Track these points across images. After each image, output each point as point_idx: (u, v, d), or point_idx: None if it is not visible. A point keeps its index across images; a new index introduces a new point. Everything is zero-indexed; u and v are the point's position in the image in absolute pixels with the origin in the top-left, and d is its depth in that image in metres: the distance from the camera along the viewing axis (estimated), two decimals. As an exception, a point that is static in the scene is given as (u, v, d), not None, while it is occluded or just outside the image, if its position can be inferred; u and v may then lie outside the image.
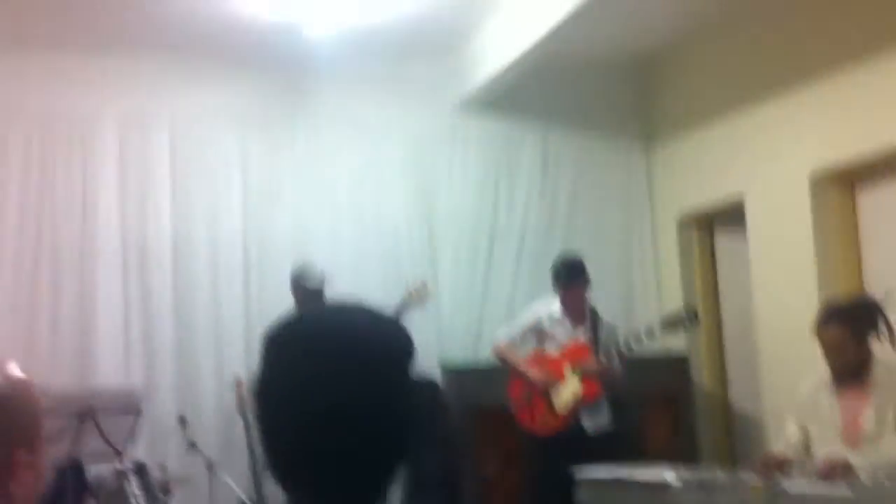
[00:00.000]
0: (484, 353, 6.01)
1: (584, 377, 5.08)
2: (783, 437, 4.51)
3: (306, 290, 5.45)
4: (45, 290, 5.47)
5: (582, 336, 5.21)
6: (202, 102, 6.07)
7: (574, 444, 5.02)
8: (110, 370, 5.52)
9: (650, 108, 6.94)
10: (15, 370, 1.51)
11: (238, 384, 5.48)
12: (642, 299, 6.71)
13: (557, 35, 5.41)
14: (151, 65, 5.97)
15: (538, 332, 5.32)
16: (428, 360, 6.00)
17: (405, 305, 5.51)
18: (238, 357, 5.80)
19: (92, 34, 5.68)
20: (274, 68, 6.17)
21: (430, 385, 5.97)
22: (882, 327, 4.09)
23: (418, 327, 5.57)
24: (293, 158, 6.21)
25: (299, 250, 6.05)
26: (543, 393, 5.15)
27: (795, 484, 3.69)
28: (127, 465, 4.44)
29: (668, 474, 4.06)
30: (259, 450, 5.05)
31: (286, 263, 5.97)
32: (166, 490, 4.65)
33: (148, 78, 5.98)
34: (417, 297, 5.59)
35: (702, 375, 6.53)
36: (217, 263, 5.95)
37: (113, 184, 5.77)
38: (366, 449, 1.32)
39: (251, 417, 5.34)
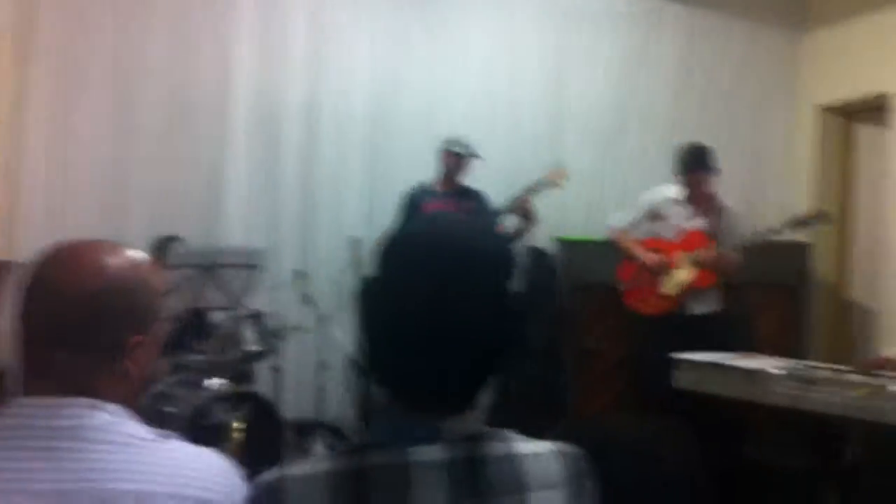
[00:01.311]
0: (599, 230, 6.00)
1: (698, 265, 5.01)
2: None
3: (456, 155, 5.56)
4: (179, 144, 5.63)
5: (702, 223, 5.10)
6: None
7: (679, 325, 5.01)
8: (237, 223, 5.73)
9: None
10: (139, 255, 1.57)
11: (354, 243, 5.62)
12: (774, 187, 6.54)
13: None
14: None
15: (654, 215, 5.25)
16: (545, 232, 6.06)
17: (541, 185, 5.56)
18: (356, 219, 5.94)
19: None
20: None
21: (543, 256, 6.04)
22: None
23: (540, 200, 5.61)
24: (424, 34, 6.15)
25: (426, 118, 6.08)
26: (654, 276, 5.12)
27: (898, 384, 3.63)
28: (243, 311, 4.67)
29: (768, 362, 4.05)
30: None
31: (411, 135, 6.04)
32: (280, 336, 4.88)
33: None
34: (554, 179, 5.59)
35: (823, 265, 6.37)
36: (344, 132, 6.02)
37: (251, 43, 5.81)
38: (464, 358, 1.37)
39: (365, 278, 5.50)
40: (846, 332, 6.36)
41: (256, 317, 4.74)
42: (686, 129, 6.27)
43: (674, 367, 4.27)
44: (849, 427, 3.96)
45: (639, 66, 6.44)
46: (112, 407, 1.48)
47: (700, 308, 5.09)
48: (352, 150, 6.01)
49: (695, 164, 5.03)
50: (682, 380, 4.21)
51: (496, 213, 5.58)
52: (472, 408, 1.43)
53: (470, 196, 5.65)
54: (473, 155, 5.60)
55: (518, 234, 5.60)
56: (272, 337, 4.83)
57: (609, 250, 5.37)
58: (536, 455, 1.44)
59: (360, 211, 5.98)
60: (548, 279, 6.12)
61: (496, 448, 1.41)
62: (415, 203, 5.57)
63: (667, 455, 2.94)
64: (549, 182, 5.58)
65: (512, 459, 1.41)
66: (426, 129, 6.04)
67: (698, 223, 5.10)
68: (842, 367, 4.03)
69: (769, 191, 6.51)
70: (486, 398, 1.48)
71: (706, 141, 5.28)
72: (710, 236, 5.05)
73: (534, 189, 5.52)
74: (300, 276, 5.27)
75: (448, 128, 5.88)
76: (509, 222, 5.62)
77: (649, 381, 5.02)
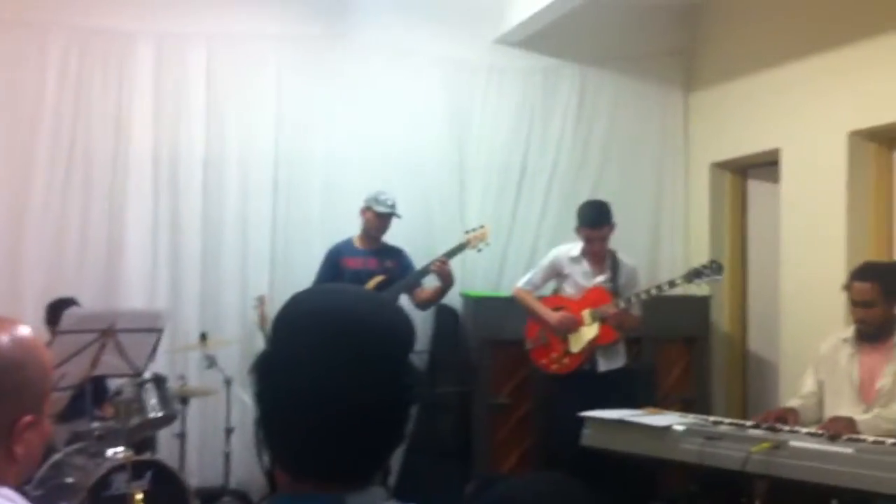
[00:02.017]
0: (505, 286, 6.08)
1: (602, 321, 5.09)
2: (798, 388, 4.55)
3: (378, 214, 5.53)
4: (75, 206, 5.53)
5: (602, 279, 5.20)
6: (240, 22, 6.02)
7: (587, 382, 5.06)
8: (137, 284, 5.61)
9: (692, 54, 6.82)
10: (25, 331, 1.51)
11: (261, 302, 5.55)
12: (670, 242, 6.69)
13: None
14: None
15: (558, 274, 5.33)
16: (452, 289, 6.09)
17: (461, 248, 5.58)
18: (261, 276, 5.87)
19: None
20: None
21: (449, 312, 6.05)
22: None
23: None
24: (329, 83, 6.16)
25: (330, 175, 6.07)
26: (560, 335, 5.18)
27: (798, 438, 3.72)
28: (145, 376, 4.55)
29: (673, 419, 4.11)
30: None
31: (315, 186, 6.03)
32: (183, 401, 4.77)
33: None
34: (474, 241, 5.62)
35: (722, 318, 6.53)
36: (247, 183, 5.97)
37: (148, 101, 5.77)
38: (357, 433, 1.35)
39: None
40: (747, 384, 6.51)
41: (158, 381, 4.63)
42: (586, 186, 6.41)
43: (583, 425, 4.30)
44: (753, 481, 4.03)
45: (537, 123, 6.55)
46: (4, 491, 1.42)
47: (607, 364, 5.16)
48: (255, 207, 5.96)
49: (592, 220, 5.14)
50: (590, 438, 4.24)
51: (417, 274, 5.58)
52: (373, 482, 1.41)
53: (391, 254, 5.64)
54: (395, 213, 5.60)
55: (436, 296, 5.62)
56: (175, 402, 4.72)
57: (516, 306, 5.42)
58: None
59: (265, 268, 5.91)
60: (454, 335, 6.13)
61: None
62: (335, 260, 5.54)
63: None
64: (469, 244, 5.61)
65: None
66: (331, 184, 6.04)
67: (599, 280, 5.20)
68: (744, 422, 4.11)
69: (669, 246, 6.66)
70: (396, 456, 1.46)
71: (606, 197, 5.41)
72: (612, 292, 5.14)
73: (453, 253, 5.54)
74: (204, 337, 5.17)
75: (351, 183, 5.88)
76: (428, 284, 5.64)
77: (558, 440, 5.06)
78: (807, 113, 5.59)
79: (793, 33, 5.72)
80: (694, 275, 5.08)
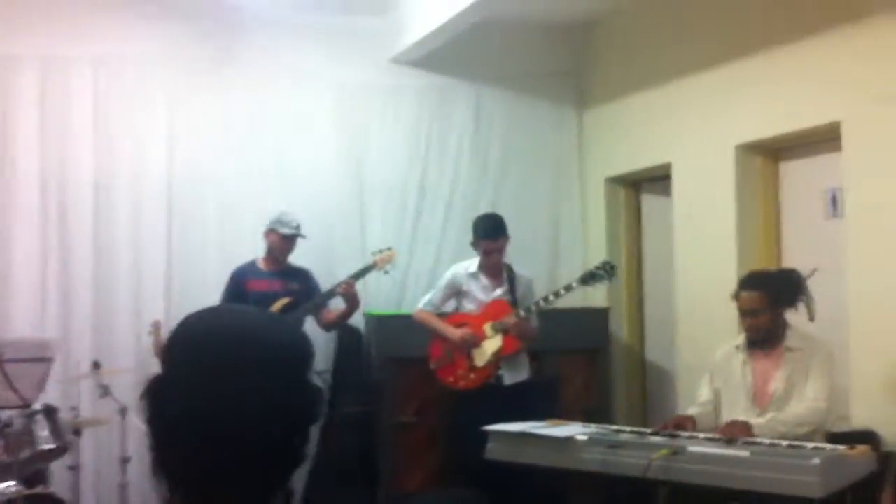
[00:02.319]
0: (408, 305, 6.08)
1: (504, 332, 5.13)
2: (695, 397, 4.65)
3: (282, 235, 5.46)
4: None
5: (500, 292, 5.25)
6: (128, 45, 5.90)
7: (492, 396, 5.09)
8: (26, 313, 5.43)
9: (584, 73, 6.95)
10: None
11: (156, 328, 5.42)
12: (567, 257, 6.78)
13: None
14: (74, 3, 5.78)
15: (457, 292, 5.36)
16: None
17: (368, 270, 5.56)
18: (156, 301, 5.74)
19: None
20: (205, 11, 6.02)
21: (352, 331, 6.01)
22: (801, 300, 4.23)
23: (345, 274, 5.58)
24: (221, 105, 6.08)
25: (226, 198, 5.98)
26: (464, 351, 5.20)
27: (696, 443, 3.79)
28: (36, 407, 4.39)
29: (576, 429, 4.15)
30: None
31: (211, 210, 5.93)
32: (76, 432, 4.61)
33: (71, 17, 5.79)
34: (380, 263, 5.59)
35: (621, 330, 6.65)
36: (140, 207, 5.86)
37: (33, 125, 5.62)
38: (256, 454, 1.32)
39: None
40: (646, 392, 6.63)
41: (49, 412, 4.47)
42: (485, 202, 6.45)
43: (487, 439, 4.31)
44: (656, 490, 4.09)
45: (434, 141, 6.58)
46: None
47: (512, 377, 5.20)
48: (148, 231, 5.85)
49: (487, 232, 5.19)
50: (494, 451, 4.25)
51: (324, 296, 5.52)
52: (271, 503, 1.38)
53: (297, 276, 5.58)
54: (300, 234, 5.53)
55: (342, 317, 5.59)
56: (68, 433, 4.56)
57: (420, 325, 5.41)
58: None
59: (160, 294, 5.77)
60: (357, 355, 6.10)
61: None
62: (239, 282, 5.45)
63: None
64: (375, 267, 5.58)
65: None
66: (227, 207, 5.95)
67: (498, 293, 5.24)
68: (645, 430, 4.18)
69: (567, 260, 6.74)
70: (299, 478, 1.43)
71: (505, 214, 5.46)
72: (511, 304, 5.19)
73: (360, 275, 5.51)
74: (97, 366, 5.01)
75: (248, 206, 5.81)
76: (334, 305, 5.59)
77: (464, 455, 5.06)
78: (695, 128, 5.75)
79: (680, 51, 5.89)
80: (589, 277, 5.19)
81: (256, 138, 6.12)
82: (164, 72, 5.96)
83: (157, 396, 1.35)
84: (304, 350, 1.42)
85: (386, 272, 5.68)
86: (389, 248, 5.67)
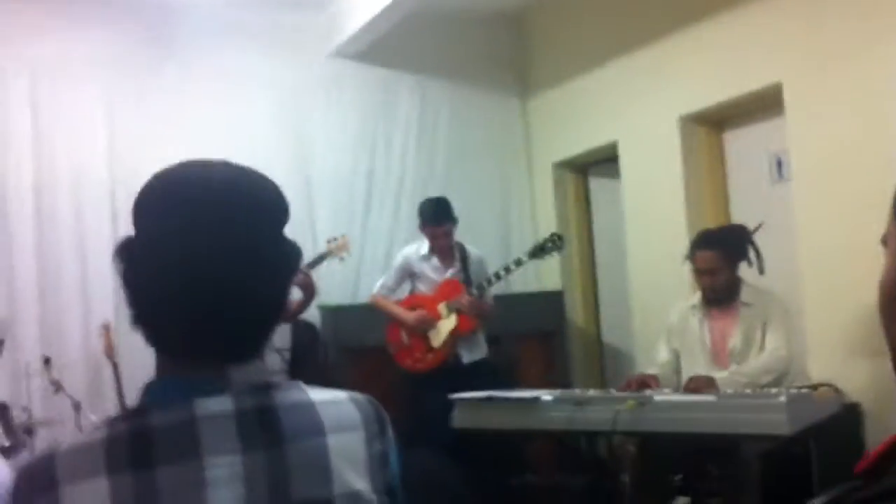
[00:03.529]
0: (363, 295, 6.04)
1: (459, 311, 5.11)
2: (653, 358, 4.66)
3: None
4: None
5: (452, 272, 5.23)
6: (64, 47, 5.79)
7: (452, 375, 5.06)
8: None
9: (525, 59, 6.99)
10: None
11: (106, 329, 5.31)
12: (518, 244, 6.76)
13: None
14: (7, 5, 5.67)
15: (410, 274, 5.34)
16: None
17: (322, 258, 5.50)
18: (105, 301, 5.61)
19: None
20: (142, 14, 5.94)
21: (306, 324, 5.94)
22: (751, 254, 4.28)
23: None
24: (161, 106, 5.98)
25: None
26: (421, 333, 5.17)
27: (662, 393, 3.80)
28: (-13, 404, 4.26)
29: (541, 392, 4.13)
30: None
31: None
32: (30, 431, 4.48)
33: (5, 22, 5.68)
34: (335, 251, 5.54)
35: (576, 312, 6.66)
36: (83, 209, 5.74)
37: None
38: (236, 304, 1.28)
39: (119, 361, 5.21)
40: (604, 374, 6.64)
41: (2, 410, 4.33)
42: (435, 192, 6.39)
43: (453, 408, 4.28)
44: (622, 441, 4.09)
45: (381, 133, 6.56)
46: None
47: (470, 356, 5.18)
48: (93, 232, 5.71)
49: (432, 217, 5.18)
50: (461, 419, 4.22)
51: None
52: (257, 357, 1.35)
53: None
54: None
55: (300, 308, 5.51)
56: (20, 432, 4.42)
57: (375, 314, 5.37)
58: (330, 402, 1.37)
59: (108, 295, 5.64)
60: (313, 348, 6.01)
61: (288, 396, 1.33)
62: None
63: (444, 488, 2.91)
64: (330, 255, 5.54)
65: (305, 406, 1.33)
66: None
67: (450, 273, 5.23)
68: (609, 391, 4.18)
69: (518, 247, 6.68)
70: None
71: (455, 202, 5.45)
72: (463, 283, 5.18)
73: (315, 263, 5.45)
74: (47, 362, 4.88)
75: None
76: (292, 296, 5.50)
77: (428, 428, 5.03)
78: (638, 103, 5.80)
79: (618, 30, 5.95)
80: (538, 250, 5.21)
81: (198, 137, 6.03)
82: (101, 73, 5.86)
83: (130, 252, 1.31)
84: (282, 200, 1.39)
85: (342, 259, 5.64)
86: (343, 235, 5.62)
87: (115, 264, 1.33)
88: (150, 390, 1.29)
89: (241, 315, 1.28)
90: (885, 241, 0.91)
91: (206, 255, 1.27)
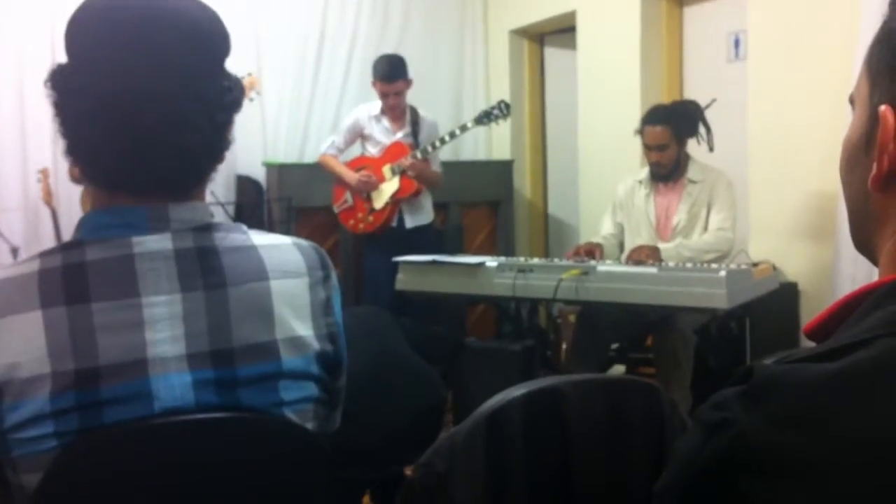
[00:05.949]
0: (309, 155, 5.97)
1: (402, 173, 5.05)
2: (597, 231, 4.69)
3: None
4: None
5: (401, 135, 5.15)
6: None
7: (396, 238, 5.04)
8: None
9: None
10: None
11: (44, 175, 5.18)
12: (470, 109, 6.68)
13: None
14: None
15: (360, 135, 5.24)
16: (253, 160, 5.91)
17: None
18: (44, 150, 5.45)
19: None
20: None
21: (250, 181, 5.87)
22: (701, 130, 4.25)
23: (244, 129, 5.38)
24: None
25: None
26: (364, 194, 5.12)
27: (605, 264, 3.83)
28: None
29: (485, 258, 4.14)
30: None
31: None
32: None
33: None
34: (246, 90, 5.35)
35: (524, 183, 6.65)
36: (22, 55, 5.50)
37: None
38: (170, 133, 1.22)
39: (57, 207, 5.11)
40: (548, 245, 6.70)
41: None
42: (387, 49, 6.26)
43: (396, 270, 4.27)
44: (563, 310, 4.14)
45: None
46: None
47: (413, 221, 5.14)
48: (31, 79, 5.46)
49: (385, 74, 5.03)
50: (404, 282, 4.22)
51: None
52: (197, 198, 1.30)
53: None
54: None
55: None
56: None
57: (322, 173, 5.30)
58: (273, 246, 1.34)
59: (46, 142, 5.47)
60: (258, 206, 5.95)
61: (230, 238, 1.29)
62: None
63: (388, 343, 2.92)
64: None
65: (248, 249, 1.30)
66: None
67: (399, 135, 5.15)
68: (554, 259, 4.20)
69: (470, 113, 6.59)
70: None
71: (409, 66, 5.31)
72: (410, 146, 5.11)
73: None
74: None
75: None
76: None
77: (371, 292, 5.06)
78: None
79: None
80: (484, 116, 5.13)
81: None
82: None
83: (64, 80, 1.25)
84: (221, 29, 1.32)
85: (251, 100, 5.43)
86: (250, 74, 5.41)
87: (47, 92, 1.26)
88: (84, 224, 1.25)
89: (176, 145, 1.23)
90: (852, 101, 0.89)
91: (139, 82, 1.20)
